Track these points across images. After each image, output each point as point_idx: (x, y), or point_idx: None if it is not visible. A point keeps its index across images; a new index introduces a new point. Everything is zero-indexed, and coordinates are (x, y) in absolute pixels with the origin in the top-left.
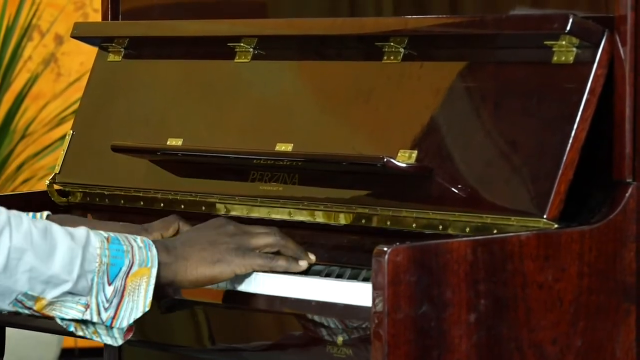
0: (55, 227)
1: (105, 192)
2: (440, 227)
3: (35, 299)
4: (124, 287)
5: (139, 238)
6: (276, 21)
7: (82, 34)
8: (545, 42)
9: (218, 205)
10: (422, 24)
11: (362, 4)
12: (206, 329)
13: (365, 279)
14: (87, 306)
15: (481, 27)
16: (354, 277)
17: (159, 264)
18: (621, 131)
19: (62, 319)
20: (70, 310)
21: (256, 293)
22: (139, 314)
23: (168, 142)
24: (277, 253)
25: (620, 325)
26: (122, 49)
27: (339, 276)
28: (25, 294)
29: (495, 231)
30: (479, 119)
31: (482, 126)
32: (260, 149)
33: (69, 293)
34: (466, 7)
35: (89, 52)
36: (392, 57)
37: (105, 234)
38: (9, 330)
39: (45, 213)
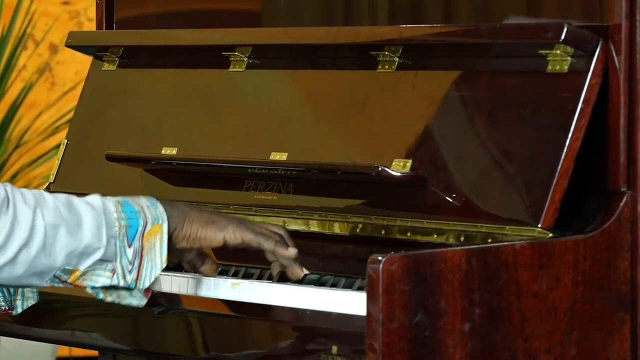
0: (75, 198)
1: None
2: (435, 236)
3: (71, 272)
4: (142, 247)
5: (142, 197)
6: (271, 30)
7: (77, 43)
8: (540, 51)
9: None
10: (417, 33)
11: (356, 13)
12: (200, 338)
13: (360, 288)
14: (113, 271)
15: (476, 36)
16: (348, 286)
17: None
18: (615, 140)
19: (93, 288)
20: (100, 278)
21: (250, 302)
22: (158, 272)
23: (162, 151)
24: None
25: (615, 335)
26: (116, 58)
27: (334, 285)
28: (63, 269)
29: (489, 240)
30: (474, 128)
31: (477, 135)
32: (254, 158)
33: (100, 260)
34: (461, 17)
35: (84, 61)
36: (386, 66)
37: (114, 199)
38: (3, 340)
39: None
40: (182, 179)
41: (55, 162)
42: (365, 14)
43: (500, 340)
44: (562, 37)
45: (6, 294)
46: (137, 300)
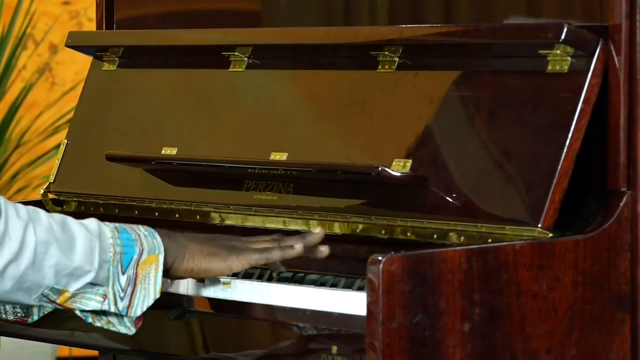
0: (70, 219)
1: (100, 201)
2: (435, 236)
3: (60, 292)
4: (136, 276)
5: (141, 226)
6: (271, 30)
7: (77, 43)
8: (540, 51)
9: (213, 214)
10: (417, 33)
11: (356, 13)
12: (201, 338)
13: (360, 288)
14: (104, 296)
15: (476, 36)
16: (348, 286)
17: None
18: (615, 140)
19: (82, 311)
20: (90, 302)
21: (251, 302)
22: (151, 302)
23: (162, 151)
24: None
25: (615, 335)
26: (116, 58)
27: (334, 285)
28: (52, 288)
29: (489, 240)
30: (474, 128)
31: (477, 135)
32: (254, 158)
33: (90, 284)
34: (461, 16)
35: (84, 61)
36: (386, 66)
37: (112, 225)
38: (3, 340)
39: None
40: (182, 179)
41: (55, 162)
42: (365, 14)
43: (500, 340)
44: (562, 37)
45: None
46: (126, 329)
